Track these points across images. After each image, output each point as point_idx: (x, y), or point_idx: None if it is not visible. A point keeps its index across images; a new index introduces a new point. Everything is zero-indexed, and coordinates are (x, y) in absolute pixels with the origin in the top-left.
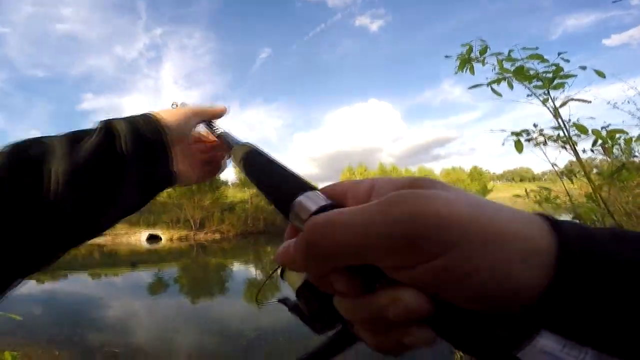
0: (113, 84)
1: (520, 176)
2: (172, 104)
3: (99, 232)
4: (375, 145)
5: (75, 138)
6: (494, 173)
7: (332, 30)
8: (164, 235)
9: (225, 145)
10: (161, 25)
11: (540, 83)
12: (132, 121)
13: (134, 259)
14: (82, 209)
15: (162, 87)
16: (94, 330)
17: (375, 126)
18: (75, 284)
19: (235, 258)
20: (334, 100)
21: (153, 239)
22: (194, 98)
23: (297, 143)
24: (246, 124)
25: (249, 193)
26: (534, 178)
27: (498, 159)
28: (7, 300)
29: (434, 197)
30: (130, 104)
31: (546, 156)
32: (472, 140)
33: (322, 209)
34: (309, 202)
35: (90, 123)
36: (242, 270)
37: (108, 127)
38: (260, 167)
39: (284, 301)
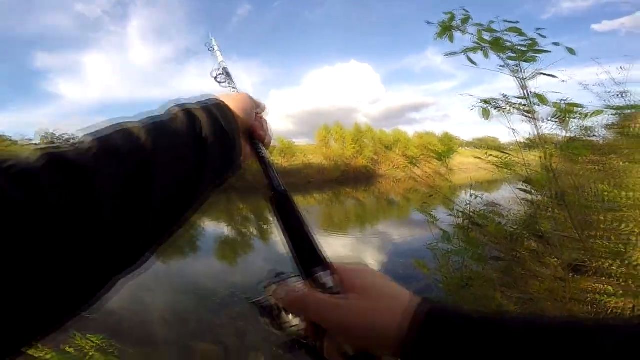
0: (71, 42)
1: (487, 144)
2: (209, 47)
3: (184, 222)
4: (352, 106)
5: (156, 126)
6: (463, 140)
7: None
8: None
9: (264, 174)
10: None
11: (513, 55)
12: (209, 109)
13: None
14: (173, 198)
15: (128, 44)
16: None
17: (354, 87)
18: None
19: (207, 216)
20: (315, 59)
21: None
22: (165, 53)
23: (273, 99)
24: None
25: None
26: (499, 147)
27: (469, 127)
28: None
29: (349, 310)
30: (91, 61)
31: (509, 124)
32: (447, 108)
33: (323, 287)
34: (320, 281)
35: (45, 81)
36: (214, 228)
37: (189, 115)
38: (293, 224)
39: (256, 303)
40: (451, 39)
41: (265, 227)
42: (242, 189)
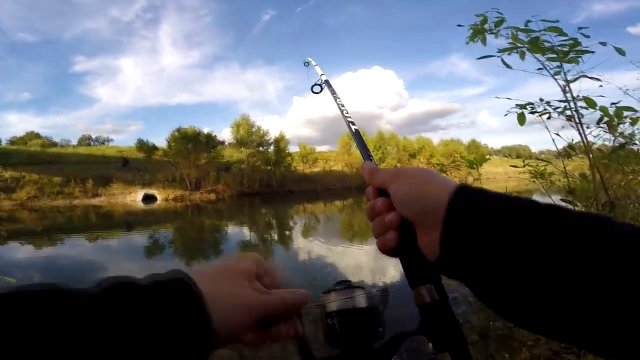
0: (107, 45)
1: (517, 153)
2: (305, 63)
3: None
4: (375, 112)
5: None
6: (491, 148)
7: None
8: (160, 195)
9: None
10: None
11: (554, 56)
12: (159, 302)
13: (130, 221)
14: None
15: (160, 48)
16: None
17: (377, 93)
18: (72, 248)
19: (231, 220)
20: (337, 65)
21: (149, 199)
22: (194, 58)
23: (296, 105)
24: (245, 84)
25: (246, 153)
26: (530, 156)
27: (496, 134)
28: (3, 264)
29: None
30: (125, 65)
31: (548, 130)
32: (474, 114)
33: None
34: (423, 294)
35: (82, 84)
36: (237, 232)
37: (126, 302)
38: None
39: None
40: (484, 42)
41: (286, 233)
42: (267, 194)
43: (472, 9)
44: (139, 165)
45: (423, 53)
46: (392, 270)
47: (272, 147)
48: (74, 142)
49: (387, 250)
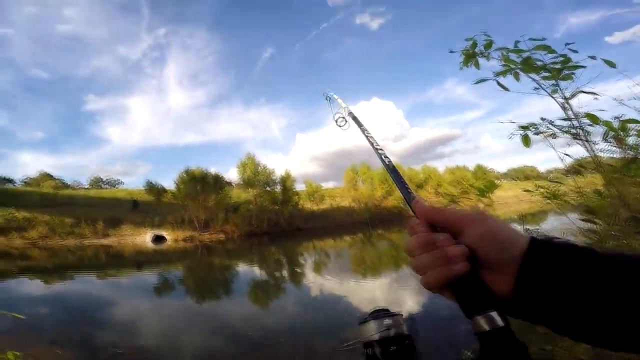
0: (116, 84)
1: (524, 175)
2: (326, 97)
3: None
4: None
5: None
6: (498, 172)
7: (334, 29)
8: (169, 235)
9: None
10: (165, 25)
11: (548, 74)
12: None
13: (140, 260)
14: None
15: (166, 88)
16: (98, 330)
17: (378, 125)
18: (81, 285)
19: (240, 259)
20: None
21: (158, 239)
22: (199, 98)
23: (299, 142)
24: (249, 122)
25: (253, 193)
26: (539, 177)
27: (502, 157)
28: (14, 299)
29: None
30: (134, 105)
31: (554, 149)
32: (476, 139)
33: (493, 331)
34: (482, 323)
35: (94, 124)
36: (247, 271)
37: None
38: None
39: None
40: (477, 65)
41: (297, 270)
42: (275, 233)
43: (459, 32)
44: (149, 207)
45: (419, 81)
46: (408, 301)
47: (278, 186)
48: (85, 182)
49: (447, 279)
